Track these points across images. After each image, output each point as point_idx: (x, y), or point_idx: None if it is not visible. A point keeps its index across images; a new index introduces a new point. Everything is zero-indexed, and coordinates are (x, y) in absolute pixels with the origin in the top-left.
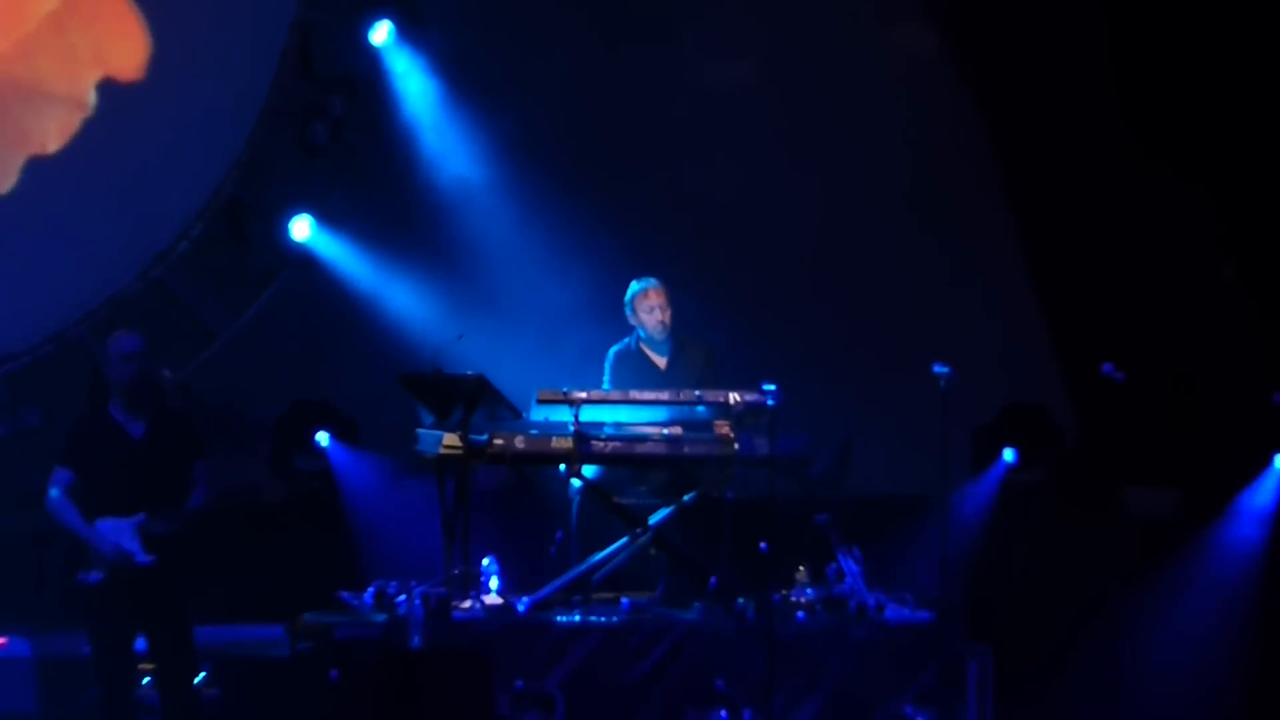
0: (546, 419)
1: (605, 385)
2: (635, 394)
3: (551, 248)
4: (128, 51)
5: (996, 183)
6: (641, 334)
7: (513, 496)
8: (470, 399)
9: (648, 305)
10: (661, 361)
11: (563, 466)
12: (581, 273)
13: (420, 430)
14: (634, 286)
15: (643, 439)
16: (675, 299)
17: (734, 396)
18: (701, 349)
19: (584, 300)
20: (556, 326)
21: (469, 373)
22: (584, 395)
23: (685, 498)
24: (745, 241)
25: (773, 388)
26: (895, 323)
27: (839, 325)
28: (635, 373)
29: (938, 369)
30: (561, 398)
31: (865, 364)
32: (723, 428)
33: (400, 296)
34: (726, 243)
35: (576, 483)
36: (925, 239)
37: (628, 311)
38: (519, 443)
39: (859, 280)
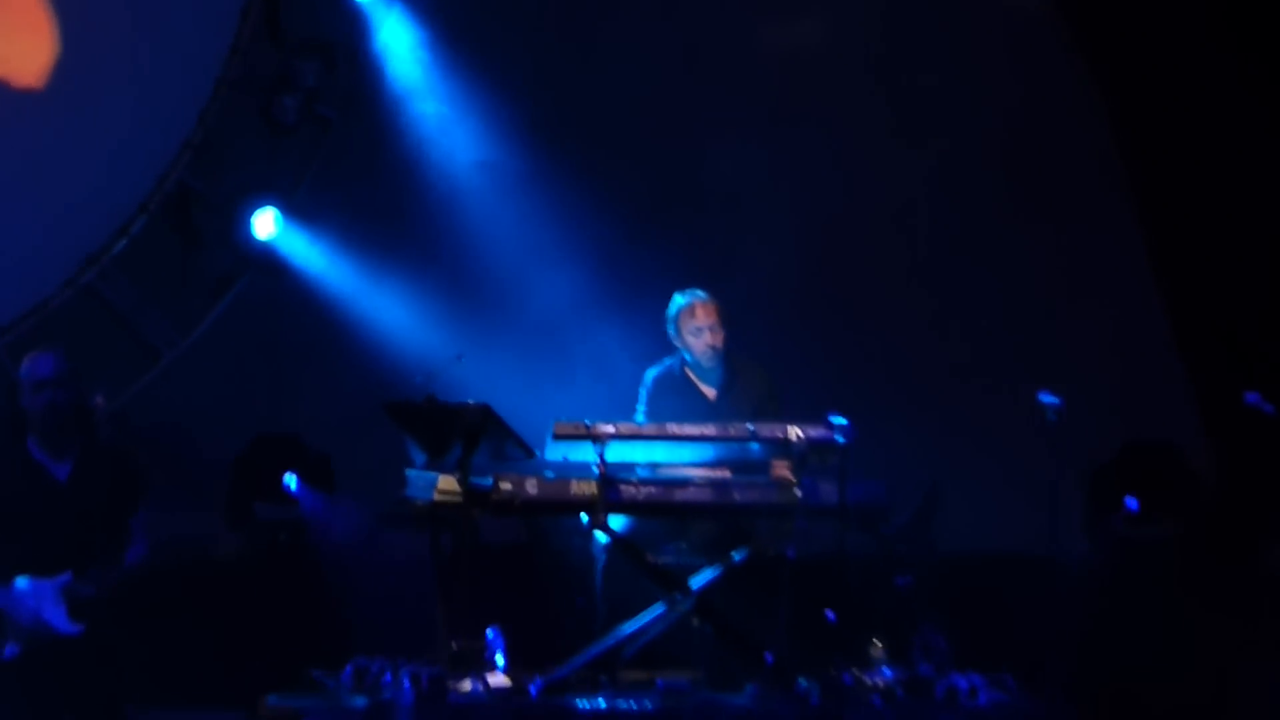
0: (565, 458)
1: (639, 417)
2: (674, 428)
3: (572, 252)
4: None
5: (1118, 178)
6: (687, 357)
7: (523, 554)
8: (471, 433)
9: (694, 325)
10: (710, 392)
11: (584, 517)
12: (611, 283)
13: (410, 472)
14: (677, 301)
15: (684, 484)
16: (728, 316)
17: (796, 432)
18: (761, 375)
19: (613, 317)
20: (578, 347)
21: (470, 401)
22: (611, 429)
23: (735, 556)
24: (806, 244)
25: (843, 421)
26: (993, 343)
27: (924, 345)
28: (678, 403)
29: (1044, 399)
30: (584, 432)
31: (956, 393)
32: (782, 470)
33: (385, 307)
34: (781, 245)
35: (602, 537)
36: (1031, 240)
37: (670, 331)
38: (531, 487)
39: (949, 291)
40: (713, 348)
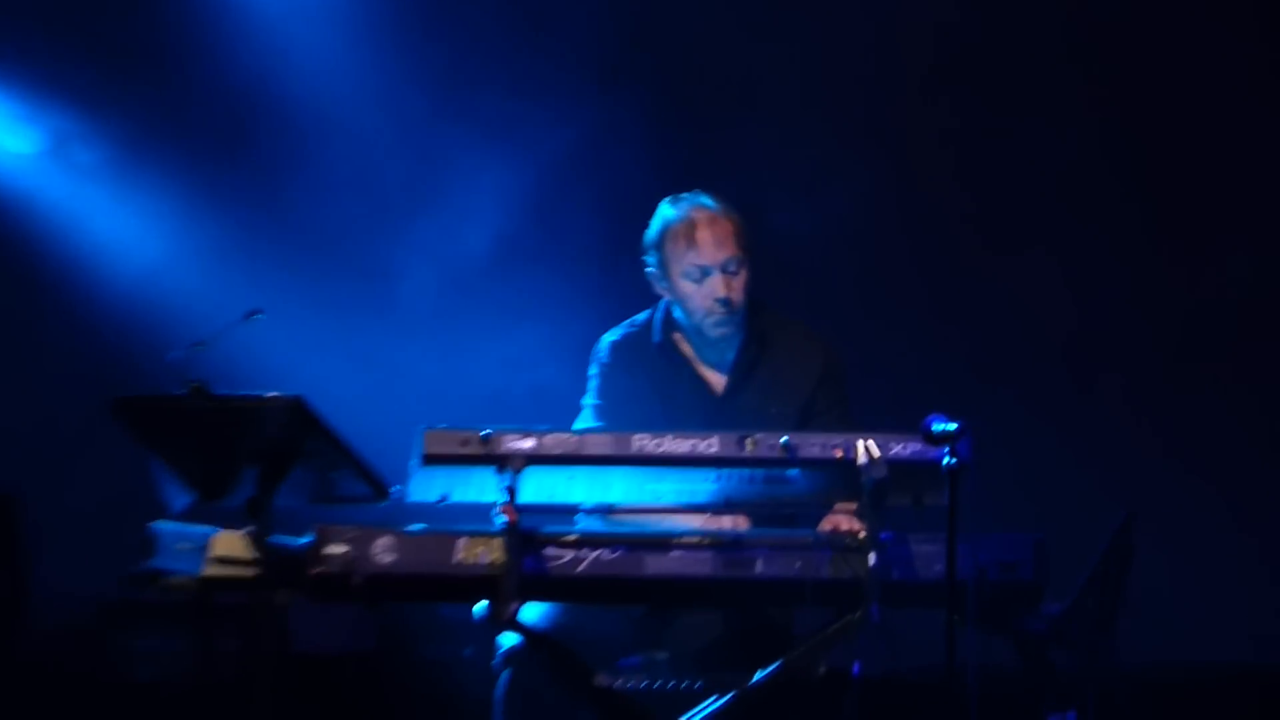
0: (445, 499)
1: (584, 421)
2: (648, 442)
3: (485, 182)
4: None
5: None
6: (679, 316)
7: (368, 671)
8: (275, 452)
9: (693, 259)
10: (717, 378)
11: (479, 606)
12: (552, 240)
13: (159, 526)
14: (664, 214)
15: (663, 543)
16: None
17: (869, 447)
18: (814, 349)
19: (551, 291)
20: (487, 334)
21: (274, 394)
22: (529, 443)
23: (756, 675)
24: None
25: (953, 426)
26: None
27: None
28: (658, 396)
29: None
30: (478, 449)
31: (1140, 407)
32: (844, 518)
33: (138, 254)
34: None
35: (509, 639)
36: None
37: (651, 267)
38: (383, 550)
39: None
40: (726, 302)
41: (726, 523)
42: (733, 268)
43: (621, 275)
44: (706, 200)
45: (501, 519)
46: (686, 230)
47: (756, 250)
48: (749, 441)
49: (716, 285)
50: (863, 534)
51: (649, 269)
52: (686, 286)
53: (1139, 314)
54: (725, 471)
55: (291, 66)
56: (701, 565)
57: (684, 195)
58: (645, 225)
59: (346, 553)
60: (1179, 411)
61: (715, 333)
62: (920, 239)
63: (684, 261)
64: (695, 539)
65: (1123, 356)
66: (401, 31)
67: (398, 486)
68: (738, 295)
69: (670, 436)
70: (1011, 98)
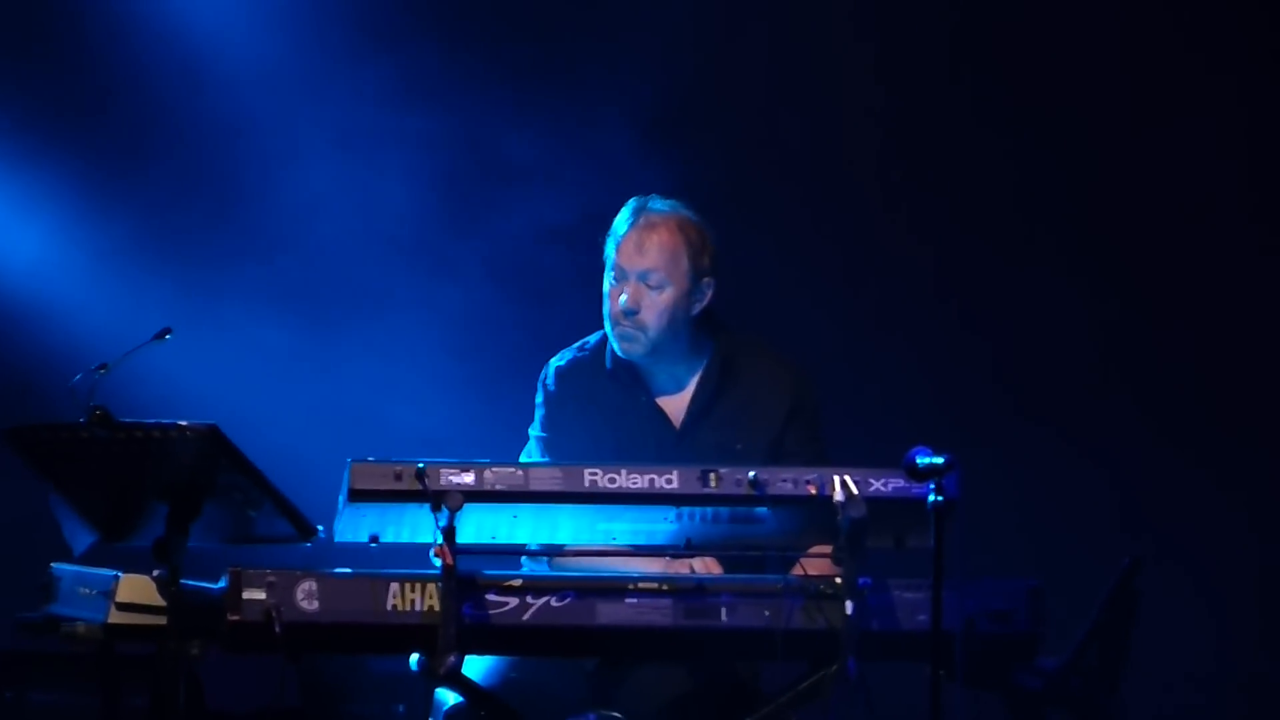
0: (375, 538)
1: (531, 451)
2: (599, 476)
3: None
4: None
5: None
6: (614, 334)
7: None
8: (186, 483)
9: (616, 255)
10: (676, 407)
11: (414, 658)
12: (496, 256)
13: (58, 569)
14: (623, 215)
15: (617, 588)
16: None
17: (845, 483)
18: (787, 378)
19: (496, 312)
20: (424, 360)
21: (182, 422)
22: (467, 478)
23: None
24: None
25: (940, 459)
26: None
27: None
28: (611, 428)
29: None
30: (411, 484)
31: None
32: (819, 562)
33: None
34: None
35: (447, 697)
36: None
37: (606, 278)
38: (306, 596)
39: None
40: (629, 313)
41: (698, 567)
42: (651, 281)
43: (578, 301)
44: (660, 205)
45: (438, 562)
46: (618, 228)
47: (715, 275)
48: (713, 477)
49: (624, 291)
50: (839, 579)
51: (606, 281)
52: (607, 287)
53: (1149, 344)
54: (686, 510)
55: (212, 65)
56: (660, 614)
57: (652, 195)
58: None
59: (266, 599)
60: (1190, 448)
61: (619, 346)
62: (905, 264)
63: (610, 260)
64: (653, 584)
65: (1130, 386)
66: (325, 26)
67: (323, 526)
68: (649, 314)
69: (625, 471)
70: (1010, 115)
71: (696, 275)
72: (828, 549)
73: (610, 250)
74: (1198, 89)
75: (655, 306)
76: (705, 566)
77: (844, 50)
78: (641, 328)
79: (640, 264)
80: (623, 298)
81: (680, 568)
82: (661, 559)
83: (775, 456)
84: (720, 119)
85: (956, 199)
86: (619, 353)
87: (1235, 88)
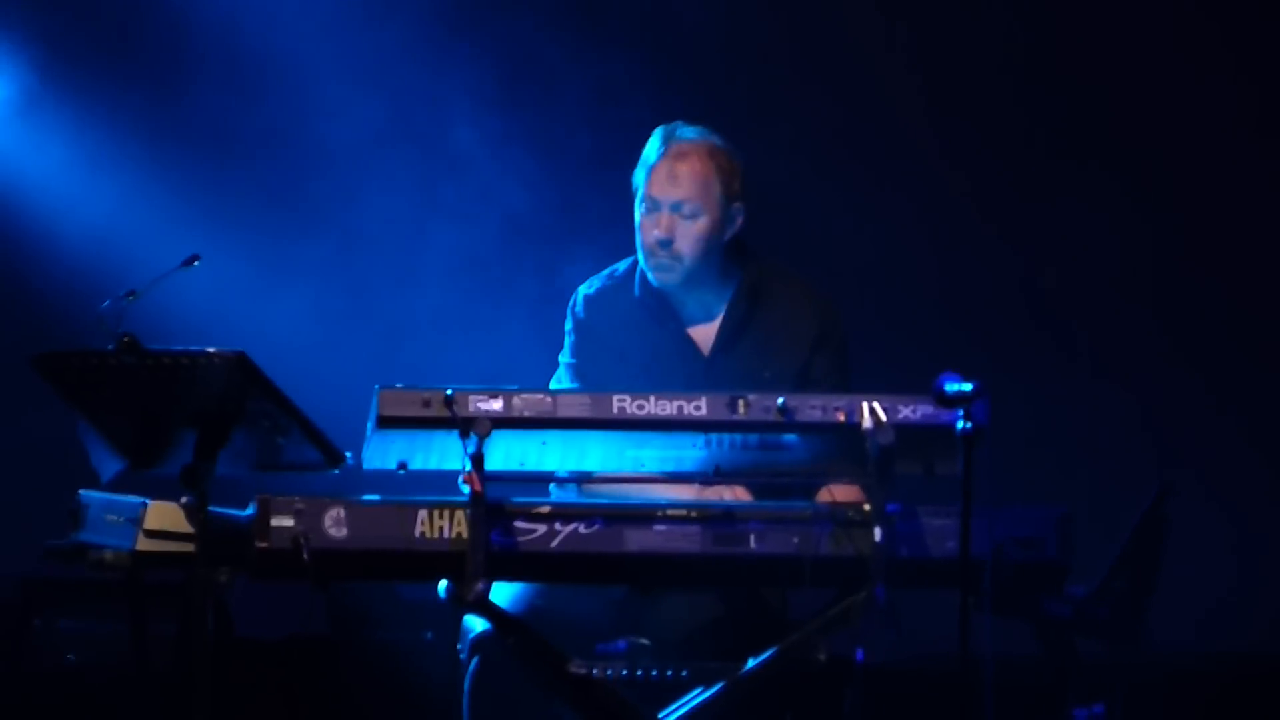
0: (404, 465)
1: (560, 378)
2: (628, 403)
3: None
4: None
5: None
6: (649, 265)
7: (321, 658)
8: (213, 410)
9: (648, 186)
10: (705, 334)
11: (442, 585)
12: (521, 199)
13: (86, 496)
14: (652, 138)
15: (646, 515)
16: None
17: (874, 410)
18: (813, 306)
19: (522, 247)
20: (452, 291)
21: (210, 349)
22: (496, 404)
23: (749, 662)
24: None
25: (969, 386)
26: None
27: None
28: (639, 353)
29: None
30: (440, 410)
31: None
32: (845, 489)
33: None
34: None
35: (476, 623)
36: None
37: (637, 203)
38: (334, 522)
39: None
40: (665, 243)
41: (716, 494)
42: (685, 210)
43: (606, 240)
44: (689, 132)
45: (466, 488)
46: (650, 157)
47: (745, 201)
48: (741, 403)
49: (659, 222)
50: (867, 505)
51: (636, 208)
52: (640, 218)
53: (1179, 270)
54: (715, 437)
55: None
56: (688, 541)
57: (678, 123)
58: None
59: (294, 526)
60: (1222, 375)
61: (655, 277)
62: (934, 191)
63: (642, 190)
64: (681, 511)
65: (1160, 313)
66: None
67: (351, 453)
68: (685, 243)
69: (654, 398)
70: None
71: (728, 201)
72: (858, 476)
73: (640, 180)
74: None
75: (690, 235)
76: (734, 495)
77: None
78: (677, 258)
79: (673, 194)
80: (661, 231)
81: (710, 495)
82: (691, 486)
83: (802, 385)
84: (750, 40)
85: (985, 123)
86: (654, 283)
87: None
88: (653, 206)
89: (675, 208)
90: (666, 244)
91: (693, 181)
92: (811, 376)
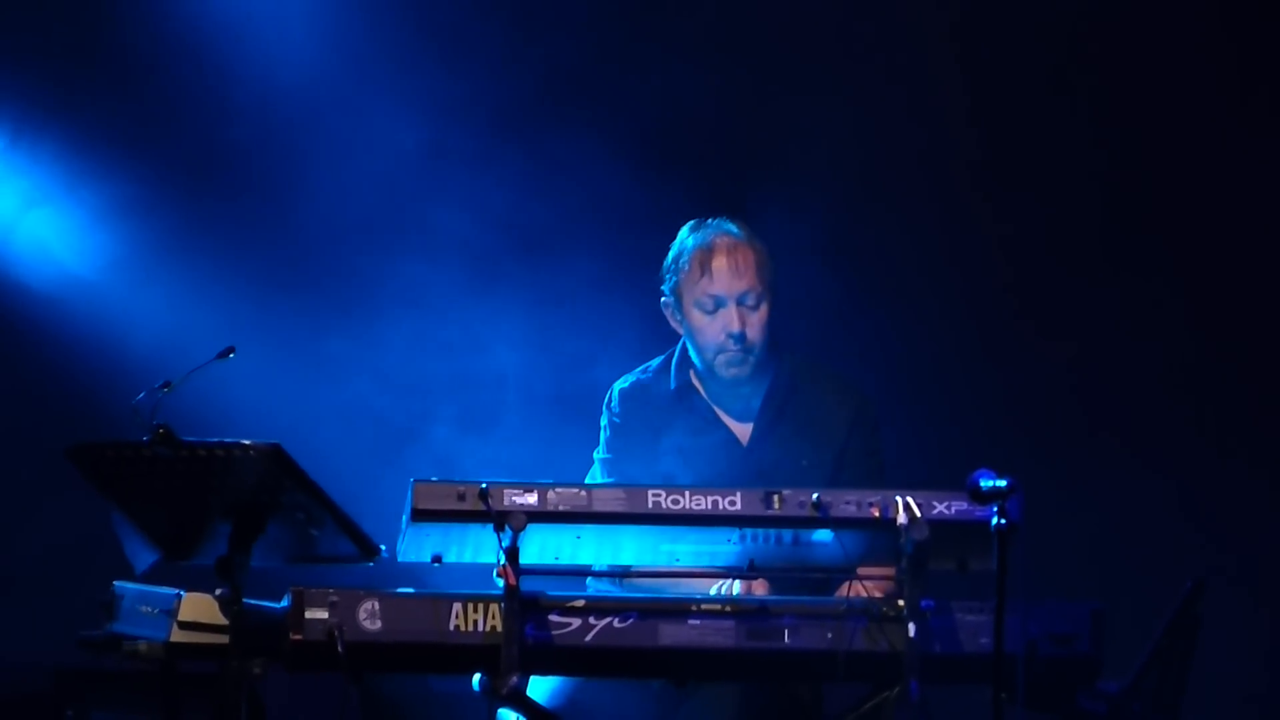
0: (438, 558)
1: (595, 473)
2: (662, 496)
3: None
4: None
5: None
6: (696, 359)
7: None
8: (248, 502)
9: (710, 290)
10: (741, 427)
11: (476, 678)
12: (551, 277)
13: (121, 587)
14: (685, 236)
15: (680, 608)
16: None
17: (908, 505)
18: (847, 397)
19: (553, 332)
20: (485, 384)
21: (245, 441)
22: (531, 498)
23: None
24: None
25: (1003, 483)
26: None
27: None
28: (676, 448)
29: None
30: (476, 504)
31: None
32: (877, 583)
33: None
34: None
35: (509, 718)
36: None
37: (666, 296)
38: (368, 615)
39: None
40: (739, 337)
41: (749, 588)
42: (750, 301)
43: (628, 319)
44: (730, 226)
45: (501, 582)
46: (703, 256)
47: (781, 288)
48: (776, 498)
49: (731, 318)
50: (901, 601)
51: (664, 299)
52: (699, 319)
53: (1215, 364)
54: (749, 532)
55: (274, 86)
56: (723, 635)
57: (709, 220)
58: (648, 262)
59: (329, 618)
60: (1255, 471)
61: (727, 373)
62: (966, 284)
63: (698, 290)
64: (716, 606)
65: (1195, 407)
66: (393, 56)
67: (386, 546)
68: (754, 332)
69: (689, 492)
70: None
71: (774, 288)
72: (875, 570)
73: (691, 282)
74: None
75: (757, 325)
76: (757, 589)
77: (916, 48)
78: (749, 349)
79: (739, 286)
80: (735, 326)
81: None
82: (724, 579)
83: (840, 469)
84: (777, 132)
85: (1022, 218)
86: (725, 379)
87: None
88: (718, 304)
89: (741, 300)
90: (740, 338)
91: (751, 271)
92: (848, 460)
